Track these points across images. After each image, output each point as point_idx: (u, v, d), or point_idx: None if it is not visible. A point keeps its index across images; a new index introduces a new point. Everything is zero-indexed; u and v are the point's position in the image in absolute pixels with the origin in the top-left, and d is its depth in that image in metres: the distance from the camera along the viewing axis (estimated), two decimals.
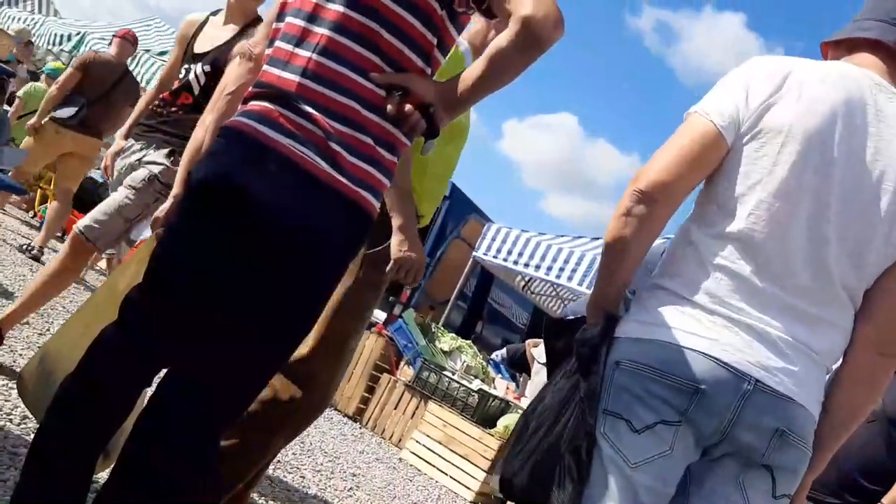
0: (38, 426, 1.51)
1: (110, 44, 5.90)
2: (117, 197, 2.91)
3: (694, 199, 1.41)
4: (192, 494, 1.35)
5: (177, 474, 1.32)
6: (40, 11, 12.76)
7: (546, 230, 8.46)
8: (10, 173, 1.85)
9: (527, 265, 8.11)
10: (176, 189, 1.92)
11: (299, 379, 2.01)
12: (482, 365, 5.96)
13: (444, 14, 1.39)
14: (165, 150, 2.94)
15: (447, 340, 6.03)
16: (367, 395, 5.56)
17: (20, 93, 6.94)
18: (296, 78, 1.35)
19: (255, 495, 2.70)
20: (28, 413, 2.26)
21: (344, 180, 1.33)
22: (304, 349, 2.01)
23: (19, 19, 11.70)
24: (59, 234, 6.56)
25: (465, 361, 5.81)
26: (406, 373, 5.56)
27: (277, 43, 1.43)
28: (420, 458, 4.96)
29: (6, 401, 2.43)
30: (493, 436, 4.85)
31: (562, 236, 8.19)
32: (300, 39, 1.38)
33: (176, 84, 2.98)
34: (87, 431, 1.40)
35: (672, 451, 1.28)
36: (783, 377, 1.27)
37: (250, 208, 1.31)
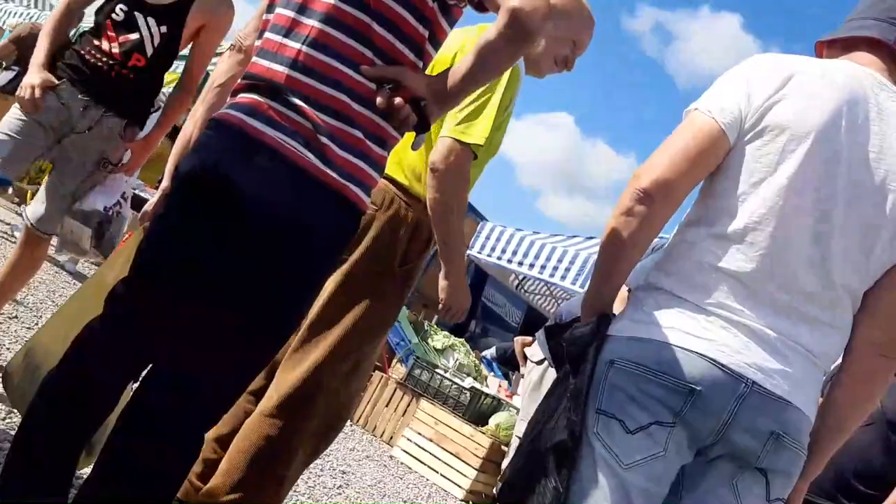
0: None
1: None
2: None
3: (692, 198, 1.40)
4: (175, 489, 1.33)
5: (161, 468, 1.31)
6: (36, 6, 12.70)
7: (541, 229, 8.46)
8: None
9: (520, 264, 8.11)
10: (164, 182, 1.90)
11: (316, 403, 1.91)
12: (475, 363, 5.96)
13: (435, 6, 1.37)
14: (117, 125, 2.59)
15: (440, 338, 6.03)
16: None
17: None
18: (285, 70, 1.34)
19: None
20: (13, 408, 2.24)
21: (332, 173, 1.31)
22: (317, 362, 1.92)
23: (16, 14, 11.64)
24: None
25: (457, 359, 5.81)
26: (398, 370, 5.55)
27: (267, 34, 1.41)
28: (411, 455, 4.94)
29: None
30: (484, 433, 4.84)
31: (556, 235, 8.19)
32: (289, 30, 1.37)
33: (108, 24, 2.51)
34: (71, 425, 1.39)
35: (665, 453, 1.26)
36: (780, 379, 1.26)
37: (238, 200, 1.29)
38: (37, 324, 3.51)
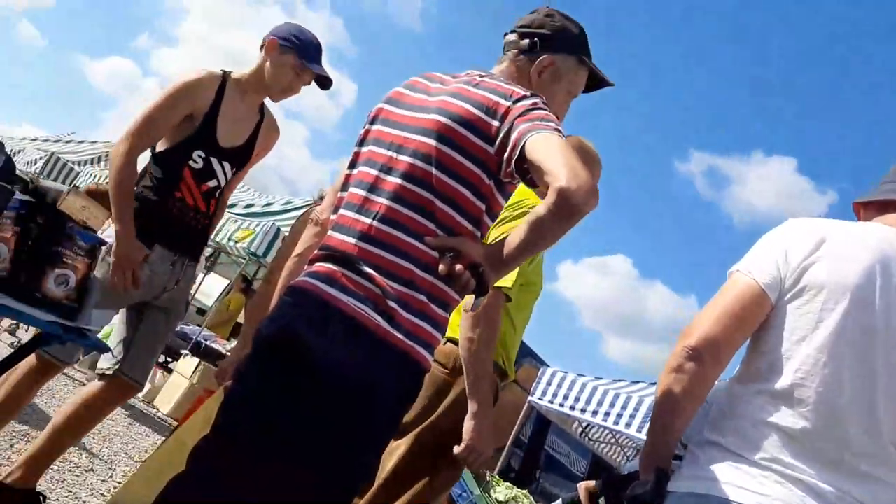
0: None
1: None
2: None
3: (739, 358, 1.45)
4: None
5: None
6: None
7: (603, 373, 8.32)
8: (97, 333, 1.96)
9: (583, 410, 7.92)
10: (246, 345, 2.04)
11: None
12: None
13: (491, 183, 1.52)
14: (193, 268, 2.58)
15: (503, 490, 5.86)
16: None
17: None
18: (357, 242, 1.49)
19: None
20: None
21: (398, 335, 1.43)
22: None
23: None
24: None
25: None
26: None
27: (342, 210, 1.58)
28: None
29: None
30: None
31: (619, 381, 8.04)
32: (361, 207, 1.53)
33: (187, 173, 2.44)
34: None
35: None
36: None
37: (312, 360, 1.40)
38: (111, 476, 3.61)
